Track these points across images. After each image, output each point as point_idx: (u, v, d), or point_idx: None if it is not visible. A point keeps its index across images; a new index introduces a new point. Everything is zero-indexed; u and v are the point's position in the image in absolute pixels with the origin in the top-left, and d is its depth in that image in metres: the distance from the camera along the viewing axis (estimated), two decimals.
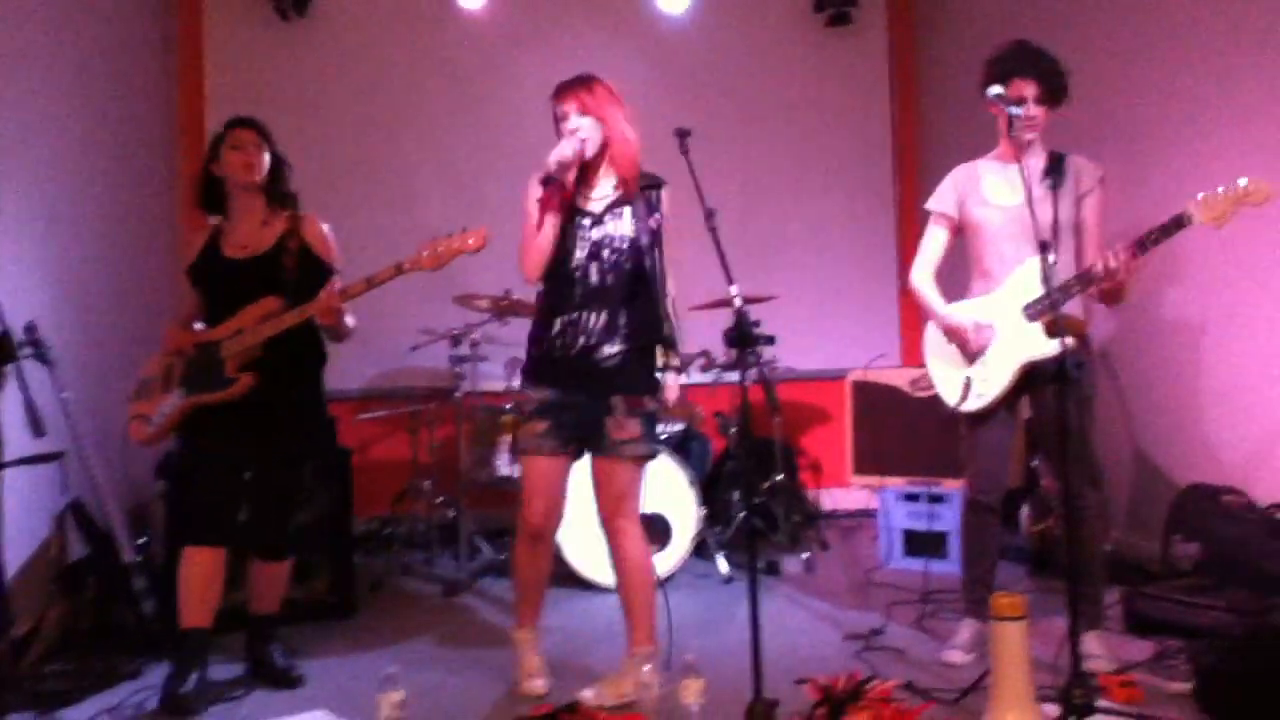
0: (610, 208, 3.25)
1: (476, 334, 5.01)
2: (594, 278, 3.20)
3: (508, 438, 5.09)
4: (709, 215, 3.02)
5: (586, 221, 3.23)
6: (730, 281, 2.96)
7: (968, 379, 3.44)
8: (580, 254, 3.21)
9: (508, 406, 5.22)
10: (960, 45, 5.82)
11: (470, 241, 3.21)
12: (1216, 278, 4.19)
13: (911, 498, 4.87)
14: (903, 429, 4.88)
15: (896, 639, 3.72)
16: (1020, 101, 3.26)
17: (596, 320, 3.18)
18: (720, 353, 5.13)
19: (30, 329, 3.55)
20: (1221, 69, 4.11)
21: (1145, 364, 4.61)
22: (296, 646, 3.81)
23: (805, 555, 5.00)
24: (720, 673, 3.25)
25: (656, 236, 3.20)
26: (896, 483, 4.94)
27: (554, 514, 3.32)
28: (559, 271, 3.22)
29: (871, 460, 5.06)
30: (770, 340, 5.27)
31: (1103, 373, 4.83)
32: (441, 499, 5.40)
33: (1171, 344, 4.46)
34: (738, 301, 2.90)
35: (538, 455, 3.23)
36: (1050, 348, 3.12)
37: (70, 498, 3.79)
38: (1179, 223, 2.96)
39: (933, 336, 3.59)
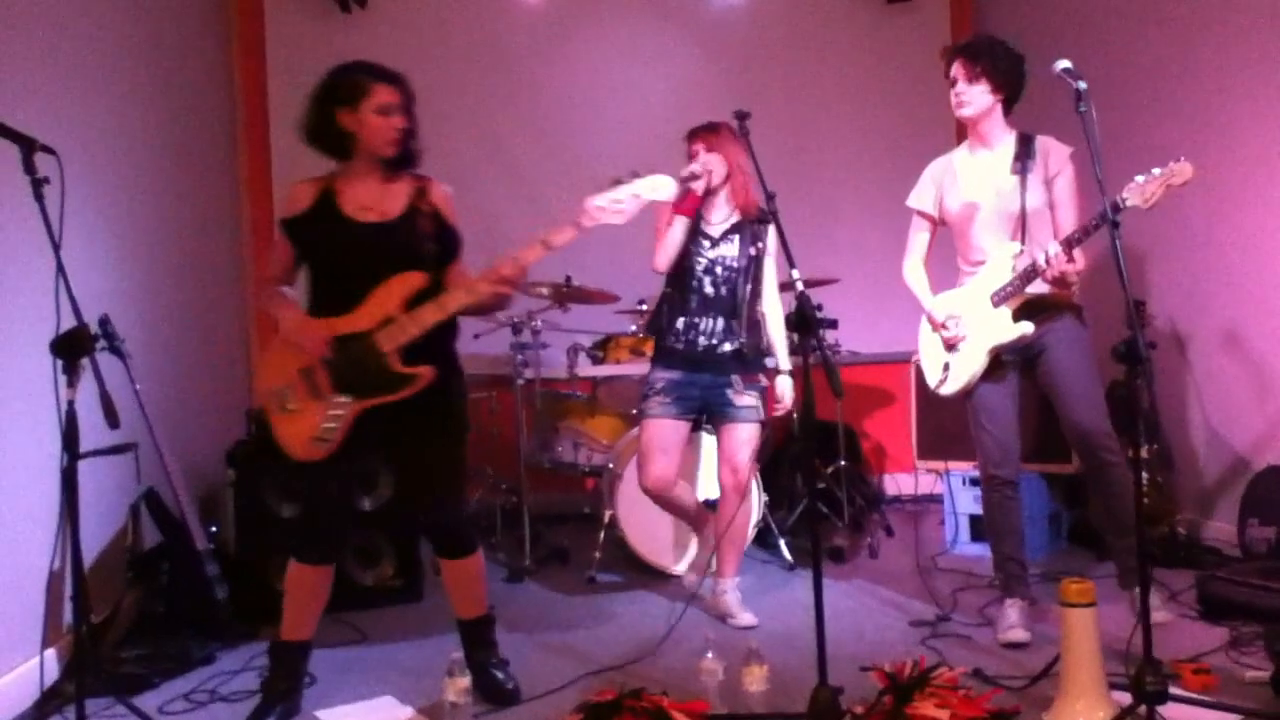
0: (725, 234, 3.84)
1: (538, 321, 5.03)
2: (709, 289, 3.82)
3: (569, 423, 5.12)
4: (769, 198, 3.03)
5: (706, 243, 3.82)
6: (792, 265, 2.95)
7: (946, 363, 3.61)
8: (699, 268, 3.82)
9: (569, 392, 5.25)
10: (1021, 22, 5.71)
11: (657, 189, 2.93)
12: None
13: (977, 482, 4.78)
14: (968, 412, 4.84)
15: (962, 625, 3.68)
16: (953, 83, 3.46)
17: (714, 324, 3.82)
18: None
19: (104, 322, 3.64)
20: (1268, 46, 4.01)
21: (1218, 341, 4.50)
22: (364, 631, 3.87)
23: (869, 541, 4.97)
24: (784, 659, 3.25)
25: (754, 261, 3.82)
26: (961, 467, 4.88)
27: (668, 473, 3.88)
28: (681, 280, 3.84)
29: (936, 444, 5.01)
30: (833, 324, 5.23)
31: (1173, 351, 4.74)
32: (504, 485, 5.45)
33: (1247, 320, 4.35)
34: (799, 285, 2.89)
35: (662, 418, 3.83)
36: (1010, 334, 3.41)
37: (144, 487, 3.88)
38: (1115, 208, 2.96)
39: (924, 324, 3.74)
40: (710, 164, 3.76)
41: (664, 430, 3.85)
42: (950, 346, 3.58)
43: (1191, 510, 4.68)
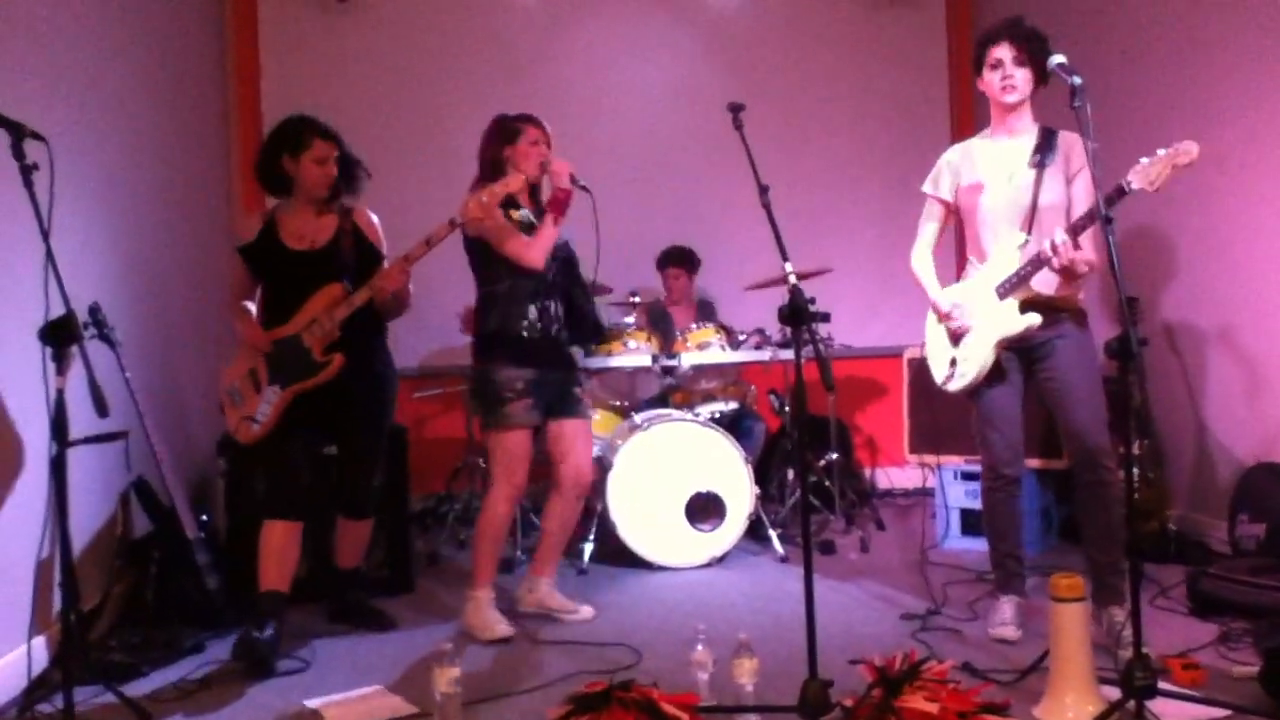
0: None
1: None
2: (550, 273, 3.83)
3: None
4: (763, 191, 3.03)
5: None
6: (785, 258, 2.94)
7: (953, 358, 3.52)
8: None
9: None
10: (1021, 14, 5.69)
11: (510, 184, 3.53)
12: None
13: (968, 476, 4.80)
14: (960, 407, 4.84)
15: (953, 619, 3.68)
16: (998, 65, 3.33)
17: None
18: (774, 330, 5.09)
19: (94, 310, 3.63)
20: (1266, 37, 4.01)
21: (1209, 339, 4.51)
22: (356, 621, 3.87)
23: (860, 534, 4.97)
24: (774, 652, 3.25)
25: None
26: (953, 461, 4.88)
27: (524, 484, 3.92)
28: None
29: (928, 438, 5.01)
30: (825, 317, 5.23)
31: (1166, 347, 4.75)
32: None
33: (1238, 318, 4.36)
34: (792, 278, 2.88)
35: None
36: (1016, 326, 3.32)
37: (134, 475, 3.87)
38: (1120, 191, 2.97)
39: (931, 317, 3.65)
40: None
41: (523, 441, 3.84)
42: (956, 340, 3.49)
43: (1183, 506, 4.69)
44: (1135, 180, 2.96)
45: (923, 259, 3.65)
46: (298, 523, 3.57)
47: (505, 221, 3.70)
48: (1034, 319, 3.29)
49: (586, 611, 3.88)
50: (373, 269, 3.66)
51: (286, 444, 3.61)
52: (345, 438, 3.76)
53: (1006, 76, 3.32)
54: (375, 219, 3.82)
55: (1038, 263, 3.24)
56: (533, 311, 3.75)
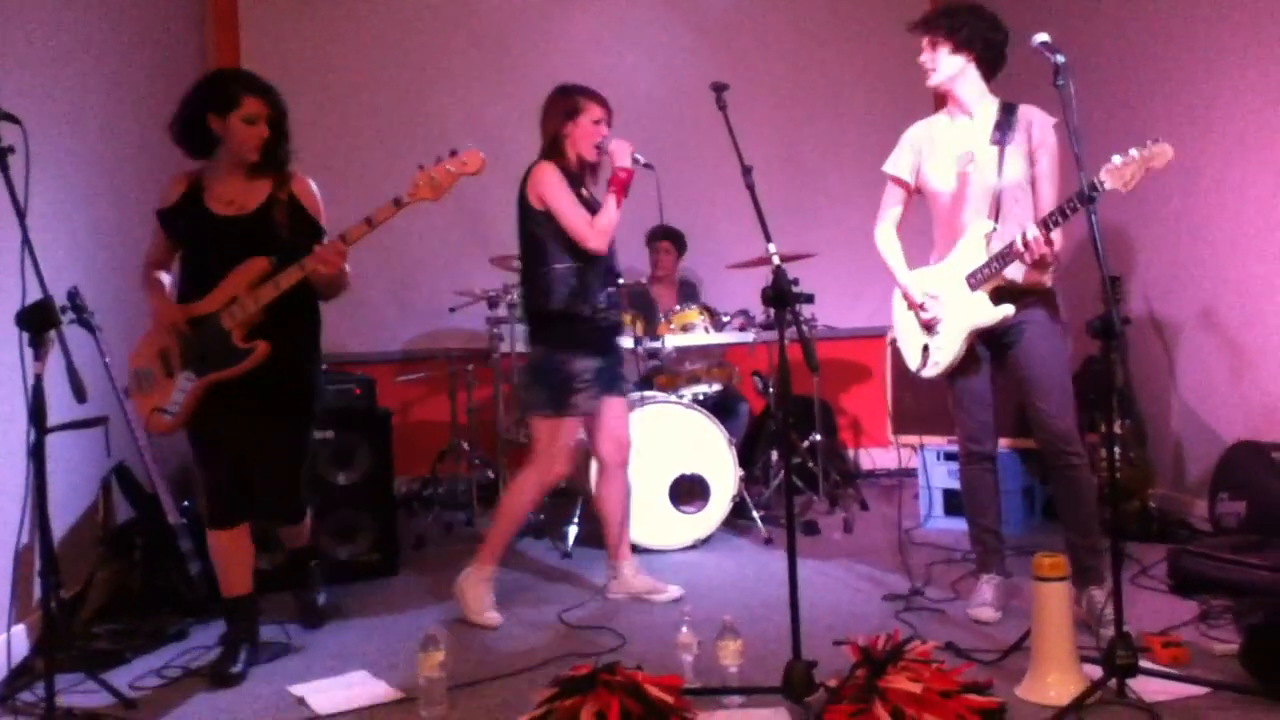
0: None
1: (513, 295, 5.00)
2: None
3: None
4: (746, 172, 3.01)
5: None
6: (768, 239, 2.94)
7: (925, 346, 3.50)
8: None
9: None
10: (1002, 2, 5.69)
11: (468, 164, 3.21)
12: (1267, 228, 4.10)
13: (951, 456, 4.80)
14: (941, 388, 4.86)
15: (936, 599, 3.70)
16: (921, 51, 3.46)
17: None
18: (758, 312, 5.08)
19: (73, 294, 3.58)
20: (1248, 22, 4.01)
21: (1191, 319, 4.53)
22: (340, 606, 3.86)
23: (844, 515, 4.98)
24: (759, 634, 3.26)
25: None
26: (936, 441, 4.89)
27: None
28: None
29: (911, 419, 5.02)
30: (809, 299, 5.22)
31: (1148, 327, 4.76)
32: (480, 460, 5.44)
33: (1222, 298, 4.37)
34: (775, 259, 2.88)
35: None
36: (990, 317, 3.31)
37: (114, 461, 3.84)
38: (1093, 188, 2.90)
39: (899, 301, 3.62)
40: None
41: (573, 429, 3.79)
42: (928, 328, 3.48)
43: (1164, 485, 4.72)
44: (1108, 180, 2.90)
45: (888, 240, 3.61)
46: (241, 527, 3.34)
47: (574, 199, 3.61)
48: (1008, 309, 3.29)
49: (674, 591, 3.83)
50: (308, 244, 3.20)
51: (212, 448, 3.27)
52: (265, 436, 3.31)
53: (922, 64, 3.44)
54: (315, 188, 3.39)
55: (1009, 256, 3.21)
56: (603, 297, 3.67)
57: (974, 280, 3.34)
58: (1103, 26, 4.98)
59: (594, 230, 3.59)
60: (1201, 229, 4.43)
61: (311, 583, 3.77)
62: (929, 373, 3.53)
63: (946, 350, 3.44)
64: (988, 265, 3.29)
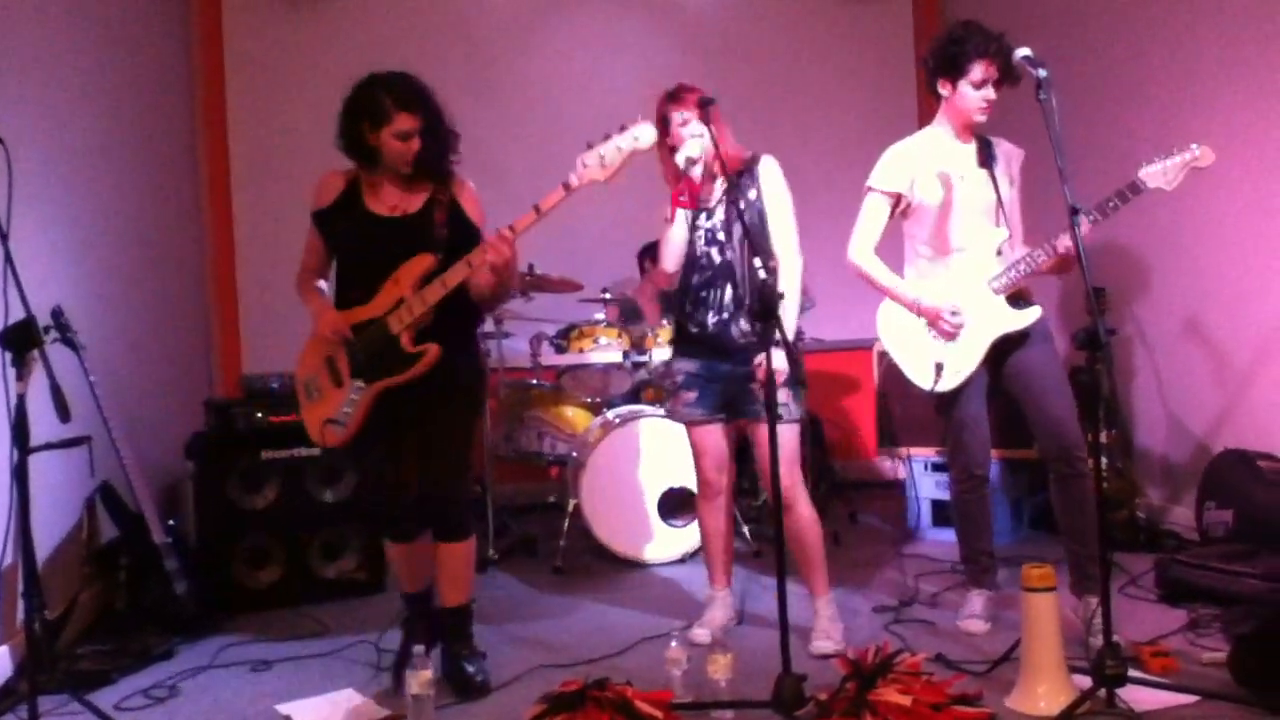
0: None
1: (501, 310, 4.99)
2: (717, 256, 3.38)
3: (534, 413, 5.11)
4: (731, 187, 3.01)
5: (704, 214, 3.41)
6: (754, 253, 2.94)
7: (938, 363, 3.42)
8: (701, 240, 3.40)
9: (533, 381, 5.23)
10: (986, 15, 5.71)
11: (639, 140, 2.94)
12: (1251, 238, 4.12)
13: (939, 468, 4.82)
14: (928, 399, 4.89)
15: (925, 610, 3.70)
16: (983, 84, 3.29)
17: (720, 294, 3.37)
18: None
19: (57, 313, 3.57)
20: (1226, 37, 4.04)
21: (1178, 327, 4.55)
22: (326, 623, 3.84)
23: (833, 527, 4.98)
24: (749, 647, 3.25)
25: (751, 210, 3.35)
26: (924, 453, 4.90)
27: (723, 471, 3.53)
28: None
29: (898, 431, 5.03)
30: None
31: (1135, 337, 4.78)
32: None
33: (1206, 307, 4.39)
34: (761, 274, 2.88)
35: (693, 423, 3.49)
36: (1021, 321, 3.33)
37: (99, 481, 3.82)
38: (1135, 188, 3.11)
39: (892, 319, 3.55)
40: (705, 138, 3.29)
41: (700, 435, 3.49)
42: (950, 337, 3.38)
43: (1151, 495, 4.73)
44: (1151, 181, 3.11)
45: (871, 254, 3.54)
46: (404, 543, 3.24)
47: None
48: (1036, 312, 3.34)
49: (823, 645, 3.34)
50: (468, 246, 3.02)
51: (370, 460, 3.20)
52: (428, 442, 3.14)
53: (990, 99, 3.31)
54: (475, 193, 3.20)
55: (1034, 260, 3.27)
56: (689, 304, 3.43)
57: (999, 285, 3.34)
58: (1082, 40, 5.01)
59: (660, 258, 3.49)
60: (1186, 240, 4.44)
61: (463, 645, 3.26)
62: (946, 385, 3.42)
63: (970, 359, 3.37)
64: (1015, 269, 3.31)
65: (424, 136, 3.06)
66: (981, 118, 3.35)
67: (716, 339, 3.36)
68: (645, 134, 2.95)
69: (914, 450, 4.93)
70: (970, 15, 3.49)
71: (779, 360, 3.14)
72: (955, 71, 3.31)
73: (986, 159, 3.41)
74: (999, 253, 3.38)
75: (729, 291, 3.34)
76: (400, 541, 3.25)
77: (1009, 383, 3.43)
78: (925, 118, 3.77)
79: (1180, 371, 4.58)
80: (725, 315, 3.34)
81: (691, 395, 3.42)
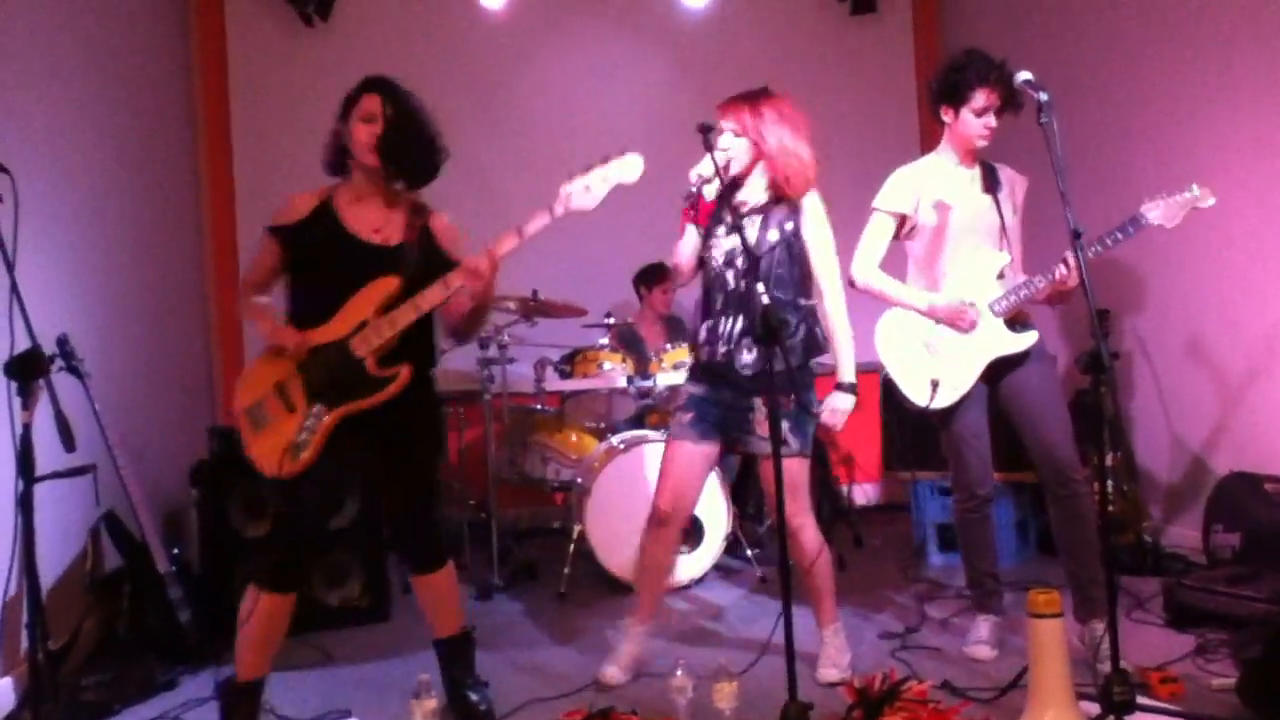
0: (749, 213, 3.33)
1: (505, 335, 5.01)
2: (731, 283, 3.31)
3: (538, 438, 5.11)
4: (733, 212, 3.01)
5: (722, 229, 3.33)
6: (756, 278, 2.94)
7: (934, 380, 3.43)
8: (718, 260, 3.34)
9: (538, 406, 5.23)
10: (985, 32, 5.75)
11: (625, 172, 2.90)
12: (1255, 261, 4.12)
13: (945, 492, 4.80)
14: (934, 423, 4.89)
15: (932, 636, 3.68)
16: (984, 111, 3.33)
17: (731, 326, 3.30)
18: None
19: (62, 342, 3.57)
20: (1222, 60, 4.06)
21: (1183, 350, 4.54)
22: (329, 652, 3.83)
23: (838, 552, 4.96)
24: (754, 675, 3.23)
25: (783, 245, 3.30)
26: (929, 477, 4.89)
27: (670, 503, 3.38)
28: (707, 278, 3.40)
29: (904, 454, 5.02)
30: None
31: (1138, 360, 4.78)
32: (472, 501, 5.41)
33: (1210, 329, 4.39)
34: (764, 299, 2.88)
35: (677, 439, 3.38)
36: (1018, 344, 3.36)
37: (103, 509, 3.81)
38: (1135, 222, 3.18)
39: (891, 334, 3.56)
40: (732, 152, 3.27)
41: (675, 452, 3.39)
42: (968, 328, 3.38)
43: (1158, 518, 4.71)
44: (1154, 218, 3.18)
45: (878, 272, 3.53)
46: (289, 594, 2.92)
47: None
48: (1033, 336, 3.37)
49: (828, 674, 3.30)
50: (437, 274, 2.90)
51: (300, 492, 2.88)
52: (397, 472, 3.05)
53: (991, 126, 3.36)
54: (450, 226, 3.11)
55: (1034, 285, 3.30)
56: (704, 332, 3.39)
57: (1000, 307, 3.38)
58: (1081, 62, 5.03)
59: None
60: (1189, 261, 4.45)
61: (466, 673, 3.20)
62: (941, 403, 3.44)
63: (963, 377, 3.40)
64: (1015, 293, 3.34)
65: (388, 124, 2.94)
66: (982, 144, 3.40)
67: (724, 369, 3.32)
68: (631, 169, 2.92)
69: (919, 474, 4.91)
70: (968, 35, 3.52)
71: (839, 406, 3.34)
72: (957, 99, 3.36)
73: (991, 184, 3.45)
74: (1001, 276, 3.40)
75: (739, 323, 3.28)
76: (285, 592, 2.90)
77: (1005, 403, 3.46)
78: (926, 138, 3.80)
79: (1185, 393, 4.57)
80: (732, 346, 3.30)
81: (688, 416, 3.38)
